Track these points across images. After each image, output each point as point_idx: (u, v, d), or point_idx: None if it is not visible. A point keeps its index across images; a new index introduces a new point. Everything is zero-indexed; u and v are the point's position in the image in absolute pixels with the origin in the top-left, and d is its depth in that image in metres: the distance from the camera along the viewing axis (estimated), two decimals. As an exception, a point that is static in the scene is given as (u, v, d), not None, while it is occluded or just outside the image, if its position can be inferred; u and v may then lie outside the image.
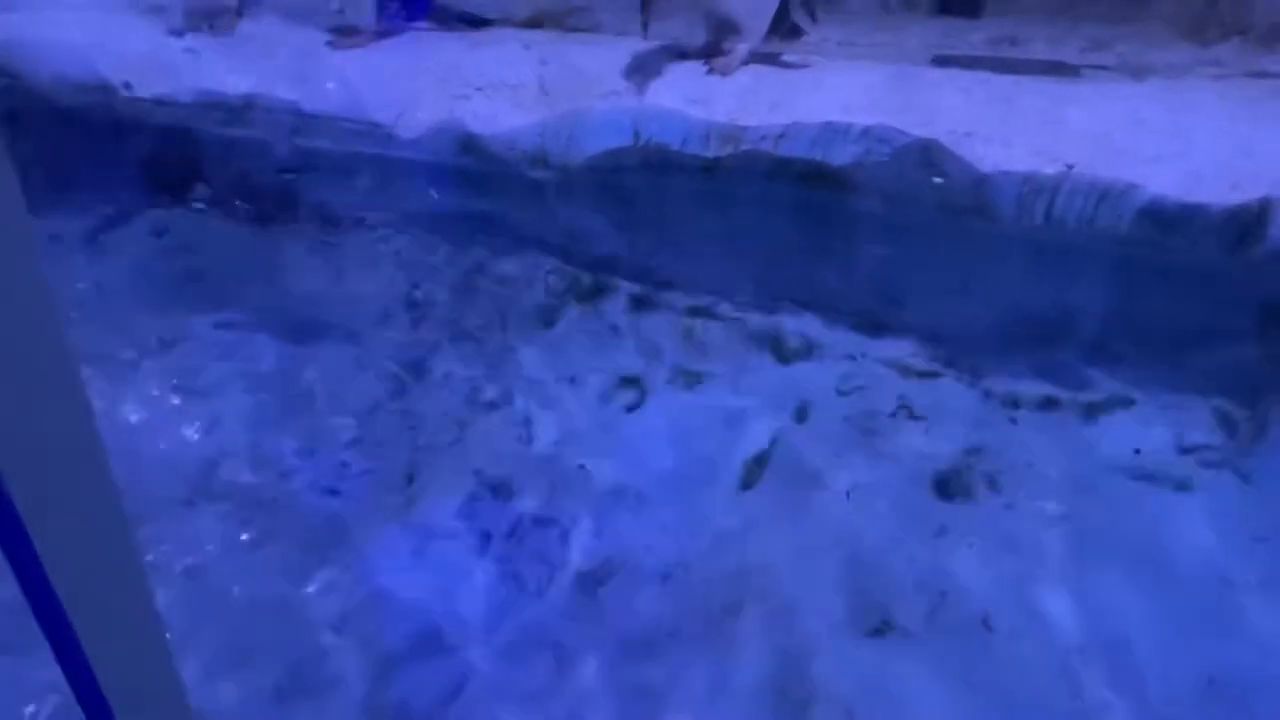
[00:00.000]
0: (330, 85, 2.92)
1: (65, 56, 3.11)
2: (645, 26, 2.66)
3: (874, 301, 2.35)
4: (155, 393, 1.99)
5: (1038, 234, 2.19)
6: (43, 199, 2.86)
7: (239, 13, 3.25)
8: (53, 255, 2.63)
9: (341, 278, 2.51)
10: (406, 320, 2.35)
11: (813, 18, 2.74)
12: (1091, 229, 2.10)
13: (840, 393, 2.14)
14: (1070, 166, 2.09)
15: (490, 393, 2.10)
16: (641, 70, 2.78)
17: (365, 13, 3.05)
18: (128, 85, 3.02)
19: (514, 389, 2.13)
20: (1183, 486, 1.82)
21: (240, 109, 2.95)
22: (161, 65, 3.05)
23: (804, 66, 2.72)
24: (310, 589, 1.59)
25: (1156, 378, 1.99)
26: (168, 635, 0.55)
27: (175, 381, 2.06)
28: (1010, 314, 2.25)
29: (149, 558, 1.58)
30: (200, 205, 2.93)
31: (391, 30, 3.13)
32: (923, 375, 2.17)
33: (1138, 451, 1.86)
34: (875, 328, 2.31)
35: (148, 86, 3.01)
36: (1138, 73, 3.09)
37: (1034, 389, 2.10)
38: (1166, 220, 2.02)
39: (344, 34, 3.08)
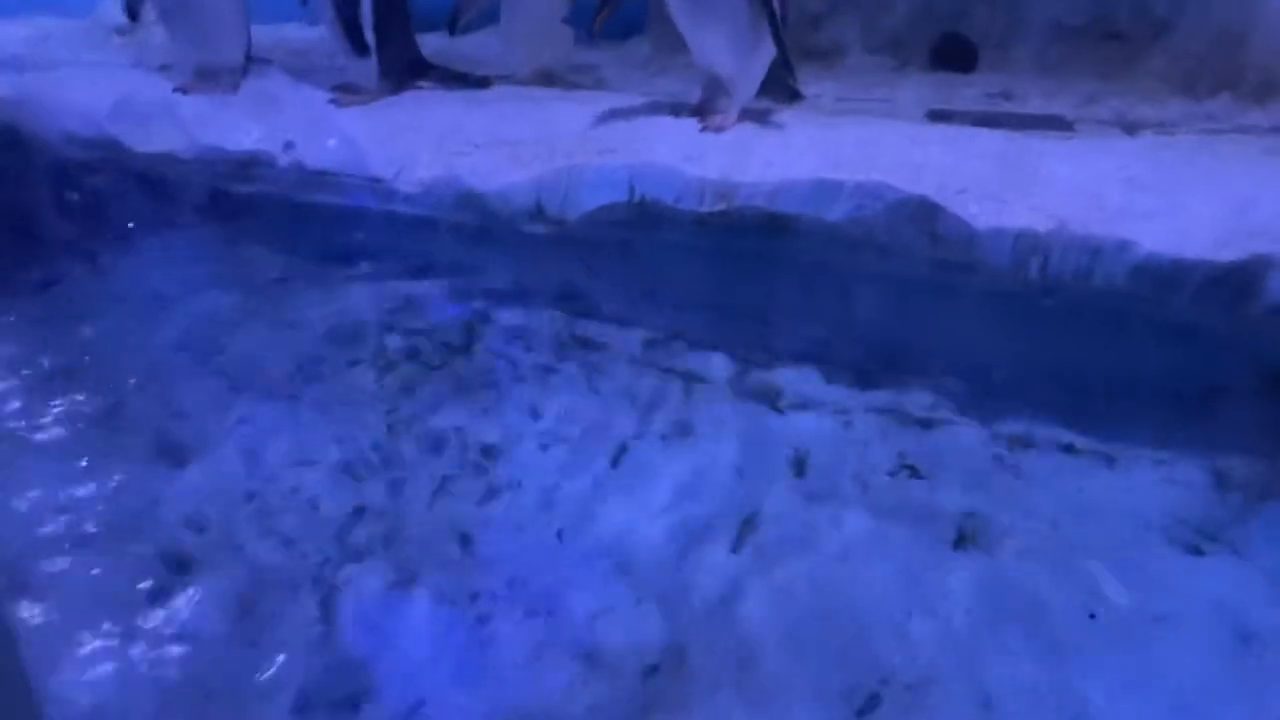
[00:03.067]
0: (332, 142, 2.97)
1: (73, 113, 3.18)
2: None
3: (871, 355, 2.34)
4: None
5: (1033, 290, 2.18)
6: (40, 250, 2.90)
7: (244, 71, 3.32)
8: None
9: (337, 327, 2.51)
10: (400, 371, 2.34)
11: (794, 77, 2.79)
12: (1086, 286, 2.09)
13: (837, 447, 2.10)
14: (1063, 223, 2.09)
15: (478, 448, 2.07)
16: (637, 127, 2.82)
17: (368, 72, 3.11)
18: (133, 140, 3.08)
19: (504, 444, 2.11)
20: (1192, 550, 1.77)
21: (243, 164, 3.00)
22: (166, 121, 3.10)
23: (797, 124, 2.75)
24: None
25: (1154, 436, 1.96)
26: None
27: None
28: (1009, 369, 2.22)
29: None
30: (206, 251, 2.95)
31: (394, 88, 3.20)
32: (923, 428, 2.14)
33: (1132, 514, 1.81)
34: (873, 381, 2.29)
35: (152, 142, 3.07)
36: (1130, 127, 3.13)
37: (1035, 441, 2.07)
38: (1161, 277, 2.01)
39: (347, 92, 3.14)
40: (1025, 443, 1.99)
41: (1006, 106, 3.60)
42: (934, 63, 4.38)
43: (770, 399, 2.19)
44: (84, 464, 1.95)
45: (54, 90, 3.29)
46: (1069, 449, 1.96)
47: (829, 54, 4.60)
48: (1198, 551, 1.75)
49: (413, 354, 2.37)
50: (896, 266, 2.38)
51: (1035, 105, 3.60)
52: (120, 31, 4.86)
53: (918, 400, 2.13)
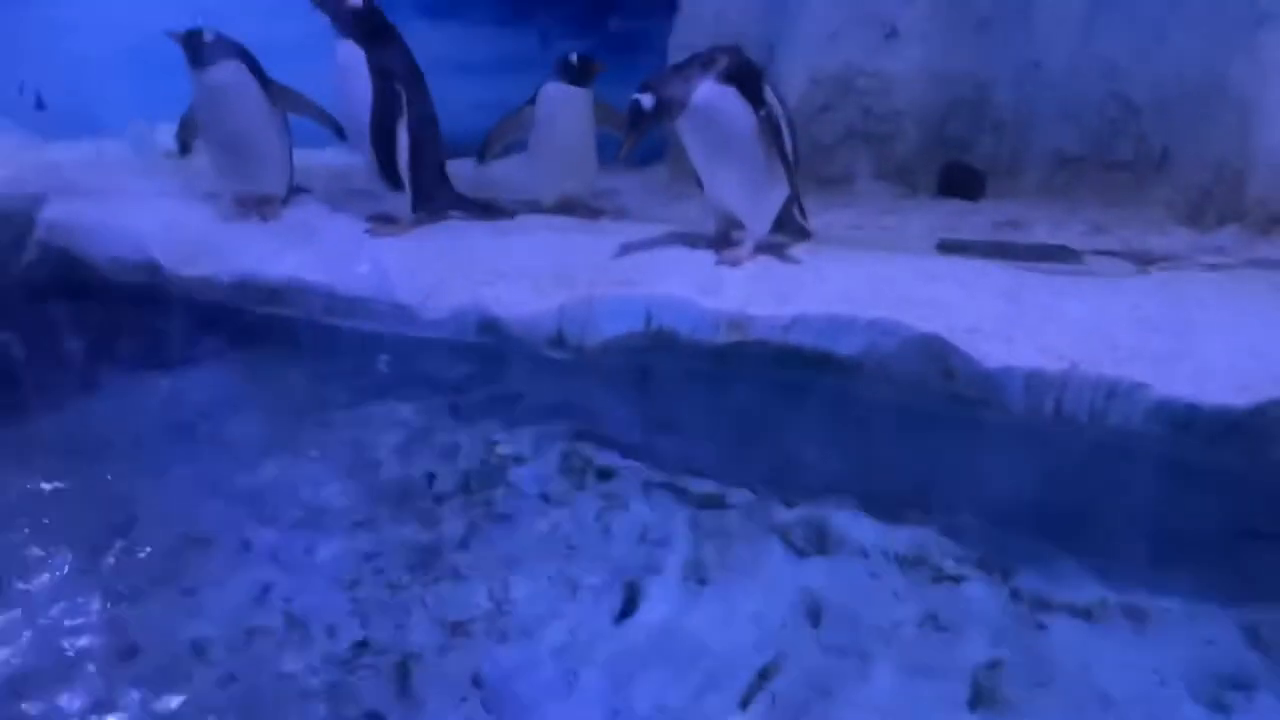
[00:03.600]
0: (363, 269, 3.10)
1: (121, 239, 3.36)
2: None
3: (889, 492, 2.32)
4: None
5: (1048, 429, 2.18)
6: (74, 368, 3.00)
7: (285, 201, 3.52)
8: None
9: (354, 457, 2.54)
10: (419, 502, 2.35)
11: (803, 216, 2.90)
12: (1102, 426, 2.09)
13: (855, 594, 2.06)
14: (1075, 364, 2.12)
15: (488, 585, 2.05)
16: (655, 259, 2.93)
17: (402, 204, 3.28)
18: (174, 265, 3.24)
19: (515, 582, 2.08)
20: (1221, 710, 1.69)
21: (277, 290, 3.13)
22: (208, 248, 3.27)
23: (809, 258, 2.84)
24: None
25: (1180, 586, 1.90)
26: None
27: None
28: (1026, 509, 2.20)
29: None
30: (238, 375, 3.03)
31: (427, 219, 3.36)
32: (942, 576, 2.10)
33: (1157, 670, 1.74)
34: (892, 519, 2.26)
35: (192, 267, 3.22)
36: (1139, 258, 3.19)
37: (1058, 592, 2.01)
38: (1178, 420, 2.01)
39: (382, 222, 3.30)
40: (1047, 594, 1.94)
41: (1015, 235, 3.69)
42: (942, 190, 4.54)
43: (787, 538, 2.17)
44: (90, 585, 1.96)
45: (104, 216, 3.49)
46: (1093, 601, 1.91)
47: (839, 181, 4.78)
48: (1226, 710, 1.67)
49: (427, 484, 2.38)
50: (911, 401, 2.40)
51: (1043, 233, 3.69)
52: (169, 154, 5.19)
53: (938, 544, 2.09)
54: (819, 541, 2.18)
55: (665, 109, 2.57)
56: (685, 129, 2.66)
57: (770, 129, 2.64)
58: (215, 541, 2.15)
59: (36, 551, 2.08)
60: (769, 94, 2.68)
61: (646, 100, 2.54)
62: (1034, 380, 2.14)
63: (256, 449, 2.48)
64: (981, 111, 4.80)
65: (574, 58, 3.56)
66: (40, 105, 6.03)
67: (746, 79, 2.61)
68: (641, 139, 2.63)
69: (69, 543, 2.13)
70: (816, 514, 2.28)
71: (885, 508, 2.27)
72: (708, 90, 2.55)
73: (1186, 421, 2.00)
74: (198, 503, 2.29)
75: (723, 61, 2.59)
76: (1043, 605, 1.95)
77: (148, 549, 2.13)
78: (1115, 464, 2.12)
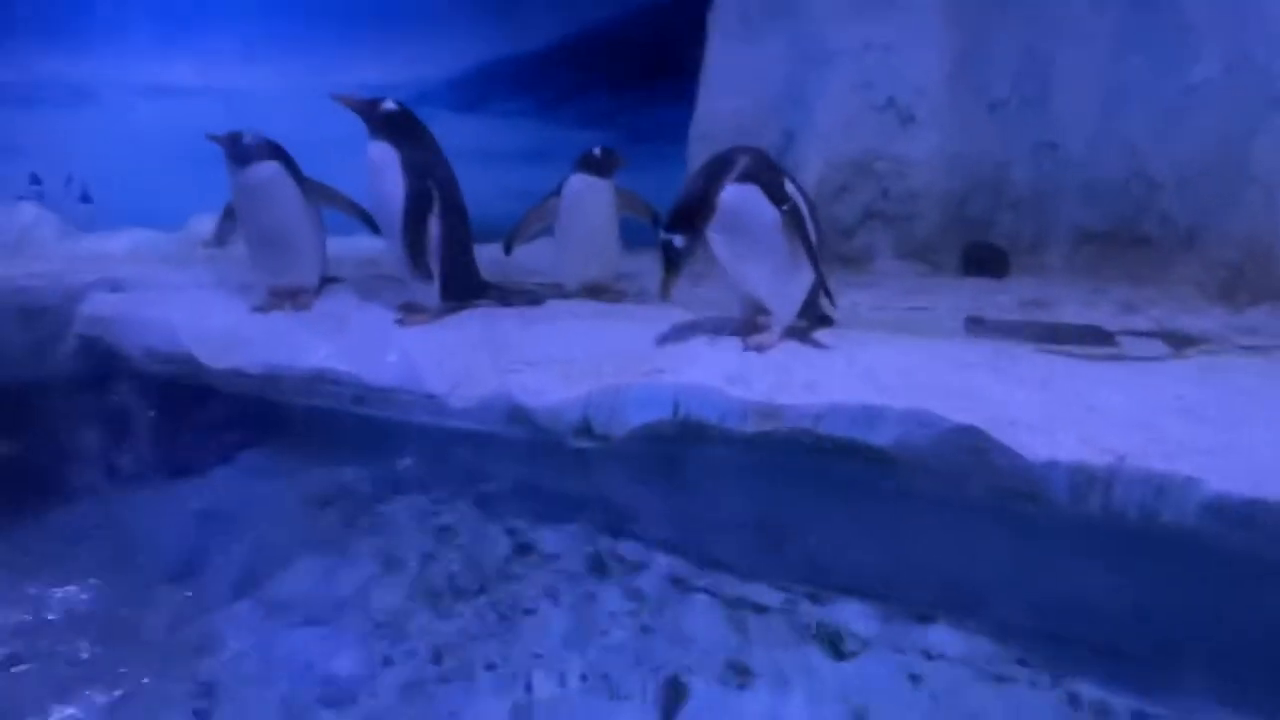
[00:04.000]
0: (392, 359, 3.12)
1: (156, 331, 3.42)
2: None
3: (931, 589, 2.23)
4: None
5: (1096, 524, 2.10)
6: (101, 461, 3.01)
7: (317, 292, 3.59)
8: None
9: (381, 550, 2.50)
10: (444, 599, 2.30)
11: (831, 301, 2.89)
12: (1154, 523, 2.01)
13: (898, 699, 1.96)
14: (1122, 457, 2.05)
15: (514, 685, 1.98)
16: (681, 346, 2.92)
17: (431, 293, 3.33)
18: (207, 357, 3.28)
19: (543, 682, 2.01)
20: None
21: (308, 380, 3.15)
22: (241, 340, 3.32)
23: (837, 343, 2.83)
24: None
25: (1239, 698, 1.79)
26: None
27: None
28: (1076, 610, 2.10)
29: None
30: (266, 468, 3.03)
31: (455, 307, 3.40)
32: (986, 679, 1.99)
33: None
34: (935, 619, 2.16)
35: (224, 359, 3.26)
36: (1173, 339, 3.14)
37: (1109, 702, 1.90)
38: (1235, 517, 1.93)
39: (411, 311, 3.35)
40: (1099, 704, 1.83)
41: (1042, 314, 3.66)
42: (966, 269, 4.55)
43: (827, 639, 2.08)
44: (110, 684, 1.91)
45: (141, 309, 3.57)
46: (1143, 716, 1.80)
47: (861, 260, 4.82)
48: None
49: (454, 579, 2.33)
50: (949, 493, 2.33)
51: (1072, 313, 3.66)
52: (206, 244, 5.36)
53: (981, 647, 2.00)
54: (859, 643, 2.09)
55: (697, 238, 2.60)
56: (711, 231, 2.69)
57: (794, 223, 2.67)
58: (233, 645, 2.11)
59: (47, 649, 2.05)
60: (790, 187, 2.71)
61: (678, 241, 2.57)
62: (1079, 475, 2.07)
63: (282, 546, 2.45)
64: (1000, 191, 4.85)
65: (597, 151, 3.70)
66: (86, 199, 6.30)
67: (767, 176, 2.65)
68: (679, 275, 2.66)
69: (83, 648, 2.09)
70: (853, 612, 2.20)
71: (927, 607, 2.18)
72: (731, 192, 2.59)
73: (1245, 519, 1.92)
74: (218, 602, 2.26)
75: (742, 161, 2.64)
76: (1099, 706, 1.84)
77: (168, 648, 2.09)
78: (1169, 563, 2.02)
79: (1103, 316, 3.58)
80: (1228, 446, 2.02)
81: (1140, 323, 3.44)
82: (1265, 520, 1.92)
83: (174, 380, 3.35)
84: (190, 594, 2.31)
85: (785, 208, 2.63)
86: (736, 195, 2.60)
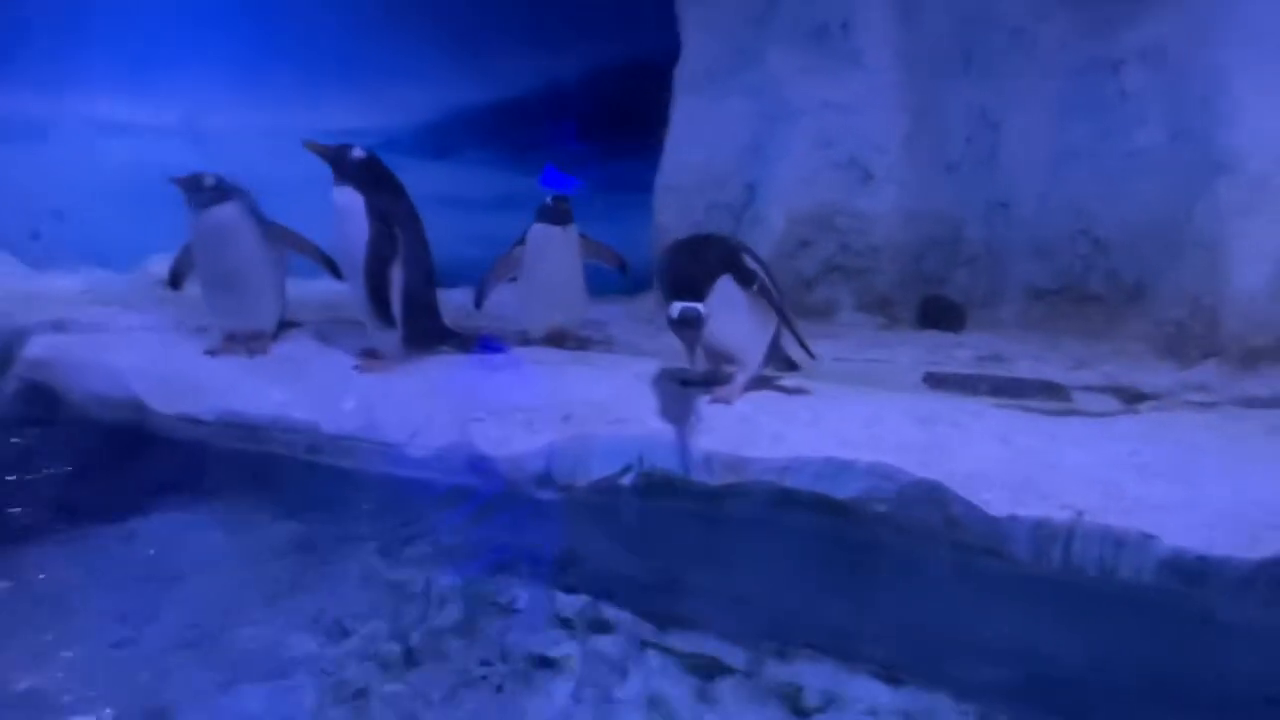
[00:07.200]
0: (350, 406, 3.05)
1: (102, 375, 3.30)
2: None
3: (897, 647, 2.21)
4: None
5: (1058, 580, 2.11)
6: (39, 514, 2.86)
7: (275, 336, 3.51)
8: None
9: (331, 610, 2.40)
10: (396, 664, 2.20)
11: (809, 353, 2.91)
12: (1114, 579, 2.03)
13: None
14: (1080, 513, 2.07)
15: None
16: (646, 396, 2.90)
17: (392, 339, 3.27)
18: (157, 403, 3.17)
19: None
20: None
21: (262, 428, 3.06)
22: (192, 385, 3.22)
23: (800, 395, 2.84)
24: None
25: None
26: None
27: None
28: (1041, 668, 2.09)
29: None
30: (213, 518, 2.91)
31: (416, 353, 3.35)
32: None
33: None
34: (899, 678, 2.13)
35: (174, 404, 3.15)
36: (1125, 395, 3.22)
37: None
38: (1191, 574, 1.95)
39: (371, 358, 3.29)
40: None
41: (998, 369, 3.74)
42: (923, 322, 4.65)
43: (793, 700, 2.04)
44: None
45: (88, 352, 3.44)
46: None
47: (822, 312, 4.89)
48: None
49: (407, 642, 2.24)
50: (913, 548, 2.33)
51: (1026, 368, 3.74)
52: (162, 285, 5.23)
53: (949, 709, 1.98)
54: (824, 701, 2.05)
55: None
56: None
57: (763, 296, 2.71)
58: (177, 711, 1.99)
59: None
60: (749, 261, 2.75)
61: (703, 308, 2.47)
62: (1041, 530, 2.09)
63: (226, 603, 2.34)
64: (955, 248, 5.00)
65: (549, 200, 3.73)
66: (35, 236, 6.13)
67: (734, 261, 2.67)
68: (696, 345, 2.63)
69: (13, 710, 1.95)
70: (819, 672, 2.16)
71: (891, 664, 2.16)
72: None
73: (1199, 574, 1.95)
74: (162, 663, 2.13)
75: (712, 251, 2.67)
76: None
77: (106, 711, 1.96)
78: (1129, 619, 2.04)
79: (1056, 371, 3.66)
80: (1182, 504, 2.06)
81: (1093, 378, 3.53)
82: (1217, 578, 1.95)
83: (119, 426, 3.22)
84: (127, 653, 2.19)
85: (754, 288, 2.68)
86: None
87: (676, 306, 2.49)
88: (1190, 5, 4.08)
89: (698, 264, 2.64)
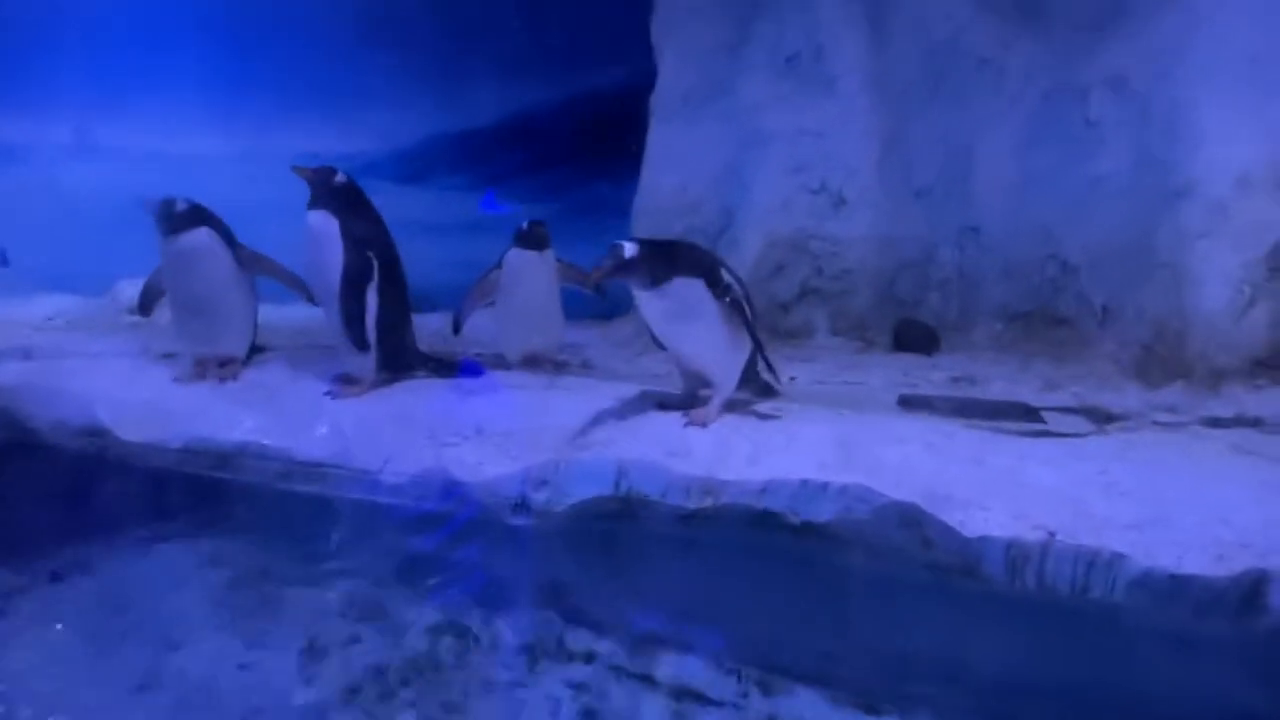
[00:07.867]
0: (322, 432, 3.01)
1: (67, 402, 3.23)
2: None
3: (876, 673, 2.20)
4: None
5: (1032, 599, 2.12)
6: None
7: (246, 361, 3.46)
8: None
9: (302, 642, 2.34)
10: (369, 692, 2.15)
11: (775, 376, 2.93)
12: (1086, 597, 2.04)
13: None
14: (1052, 534, 2.09)
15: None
16: (622, 420, 2.90)
17: (366, 364, 3.24)
18: (123, 430, 3.11)
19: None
20: None
21: (230, 455, 3.00)
22: (160, 411, 3.16)
23: (776, 418, 2.84)
24: None
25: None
26: None
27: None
28: (1018, 688, 2.09)
29: None
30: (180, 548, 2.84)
31: (390, 378, 3.32)
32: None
33: None
34: (880, 707, 2.12)
35: (141, 432, 3.09)
36: (1094, 415, 3.26)
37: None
38: (1161, 592, 1.97)
39: (344, 383, 3.25)
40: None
41: (971, 390, 3.77)
42: (897, 344, 4.68)
43: (769, 724, 2.02)
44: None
45: (53, 379, 3.38)
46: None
47: (798, 335, 4.93)
48: None
49: (379, 671, 2.19)
50: (889, 569, 2.33)
51: (998, 389, 3.78)
52: (132, 310, 5.15)
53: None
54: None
55: (639, 271, 2.61)
56: (654, 314, 2.73)
57: (736, 310, 2.73)
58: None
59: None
60: (726, 275, 2.78)
61: (629, 250, 2.57)
62: (1014, 550, 2.10)
63: (197, 634, 2.28)
64: (928, 271, 5.06)
65: (525, 225, 3.73)
66: (4, 261, 6.03)
67: (709, 270, 2.72)
68: (610, 278, 2.66)
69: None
70: (797, 699, 2.14)
71: (868, 688, 2.14)
72: (678, 285, 2.63)
73: (1169, 593, 1.96)
74: (129, 698, 2.07)
75: (687, 255, 2.72)
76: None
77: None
78: (1102, 638, 2.05)
79: (1027, 393, 3.70)
80: (1151, 522, 2.08)
81: (1063, 399, 3.57)
82: (1186, 596, 1.97)
83: (85, 454, 3.15)
84: (94, 686, 2.12)
85: (727, 300, 2.70)
86: (683, 288, 2.64)
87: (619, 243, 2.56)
88: (1152, 36, 4.20)
89: (672, 256, 2.68)
